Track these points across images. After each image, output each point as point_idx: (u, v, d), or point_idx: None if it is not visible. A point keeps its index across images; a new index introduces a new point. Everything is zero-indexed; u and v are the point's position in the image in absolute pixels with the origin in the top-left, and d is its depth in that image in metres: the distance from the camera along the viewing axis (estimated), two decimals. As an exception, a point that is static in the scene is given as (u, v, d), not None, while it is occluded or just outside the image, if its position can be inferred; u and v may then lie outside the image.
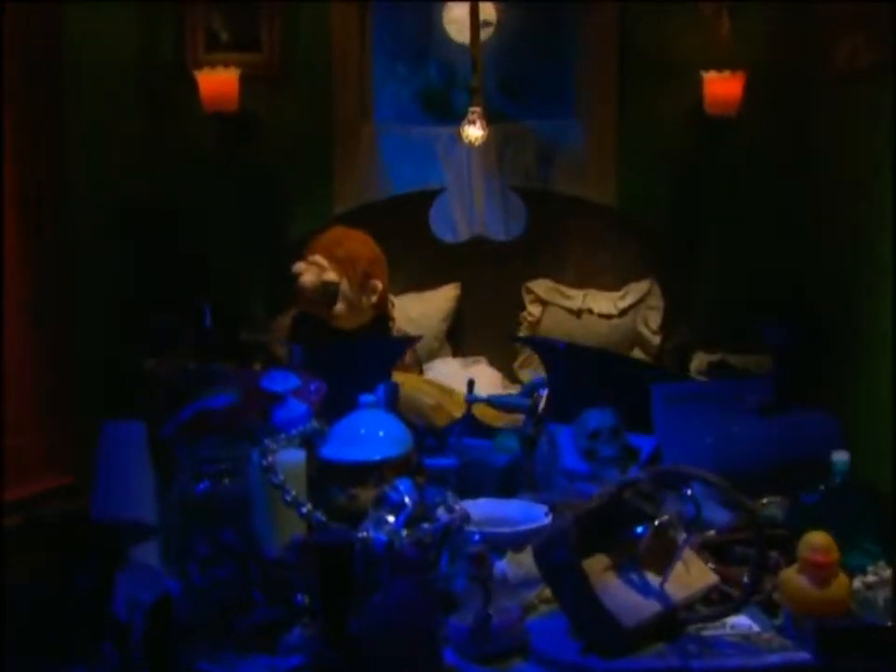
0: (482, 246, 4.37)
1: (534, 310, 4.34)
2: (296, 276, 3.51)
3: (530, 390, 2.21)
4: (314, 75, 4.39)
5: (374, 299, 3.61)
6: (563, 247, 4.38)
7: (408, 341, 3.21)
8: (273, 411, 2.02)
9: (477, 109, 3.85)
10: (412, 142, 4.56)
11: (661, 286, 4.33)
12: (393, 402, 2.33)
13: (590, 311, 4.29)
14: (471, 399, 2.22)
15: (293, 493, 1.86)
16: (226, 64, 4.19)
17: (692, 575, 1.80)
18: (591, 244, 4.38)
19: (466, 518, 1.81)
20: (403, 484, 1.90)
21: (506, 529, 1.84)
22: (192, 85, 4.23)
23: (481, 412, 2.96)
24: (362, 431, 2.01)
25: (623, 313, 4.30)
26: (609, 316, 4.29)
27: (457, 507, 1.88)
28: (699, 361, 4.09)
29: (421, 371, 3.86)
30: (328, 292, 3.50)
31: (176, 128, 4.34)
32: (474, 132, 3.83)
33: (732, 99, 4.18)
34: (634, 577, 1.76)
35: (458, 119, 4.19)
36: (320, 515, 1.83)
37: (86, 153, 3.73)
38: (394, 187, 4.54)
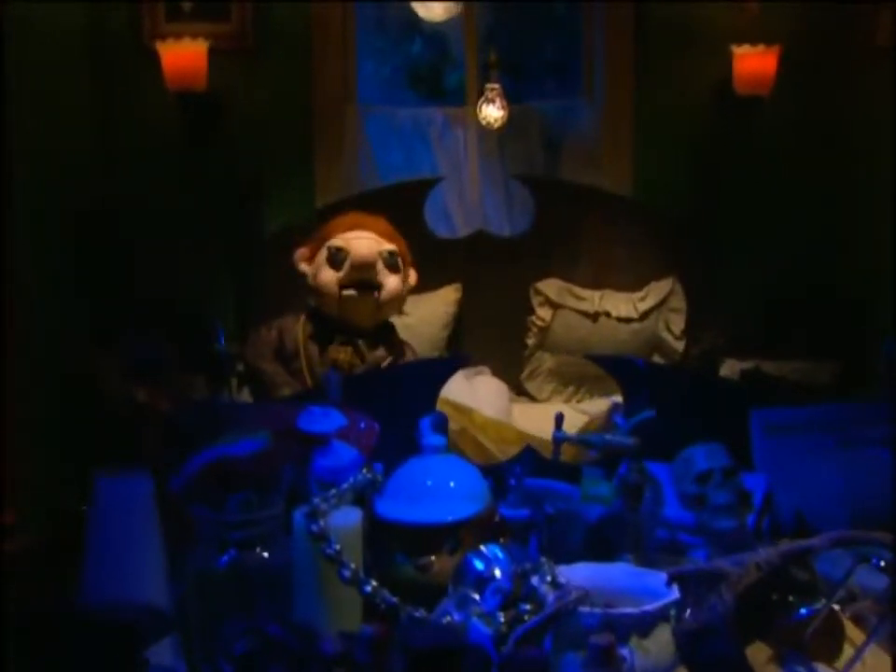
0: (483, 243, 4.08)
1: (543, 314, 4.02)
2: (338, 251, 3.03)
3: (633, 426, 1.85)
4: (291, 48, 4.03)
5: (409, 289, 3.20)
6: (574, 243, 4.06)
7: (457, 360, 2.81)
8: (313, 458, 1.64)
9: (496, 86, 3.52)
10: (400, 125, 4.25)
11: (683, 285, 4.05)
12: (442, 437, 1.96)
13: (607, 314, 4.00)
14: (560, 437, 1.86)
15: (352, 566, 1.48)
16: (193, 36, 3.78)
17: (867, 667, 1.46)
18: (605, 238, 4.07)
19: (583, 597, 1.44)
20: (491, 551, 1.53)
21: (631, 609, 1.48)
22: (151, 60, 3.87)
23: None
24: (429, 483, 1.63)
25: (644, 316, 4.01)
26: (628, 320, 4.00)
27: (563, 580, 1.52)
28: (729, 369, 3.84)
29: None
30: (389, 265, 3.05)
31: (133, 109, 3.98)
32: (493, 112, 3.50)
33: (764, 76, 3.91)
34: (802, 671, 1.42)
35: (450, 98, 3.85)
36: (390, 596, 1.45)
37: (28, 140, 3.29)
38: (380, 175, 4.20)
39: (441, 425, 1.99)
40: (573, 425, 3.74)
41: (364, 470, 1.65)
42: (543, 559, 1.58)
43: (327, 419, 1.68)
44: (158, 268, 3.99)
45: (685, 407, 2.04)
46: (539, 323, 4.01)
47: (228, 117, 4.01)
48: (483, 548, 1.55)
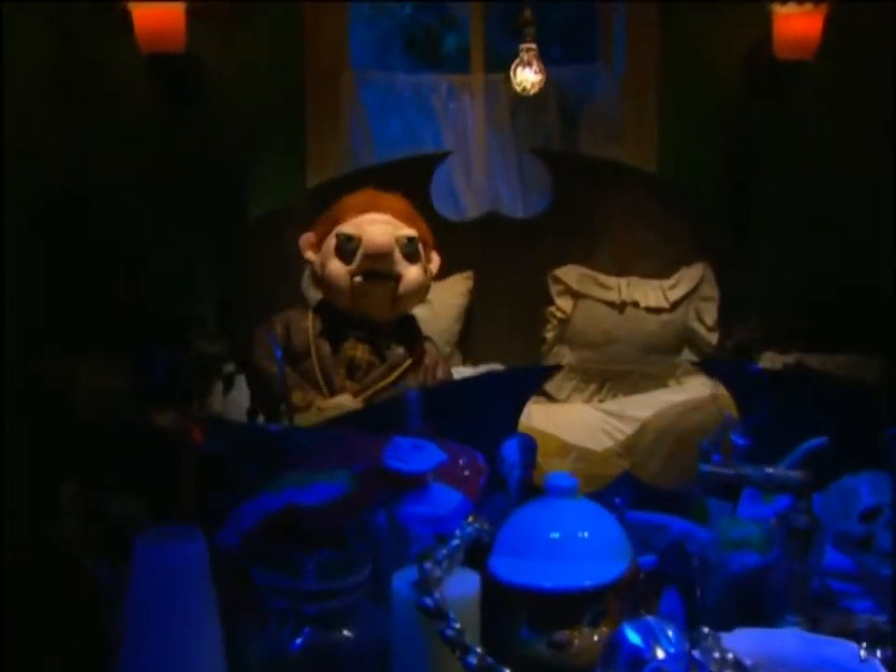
0: (494, 225, 3.88)
1: (563, 304, 3.80)
2: (349, 239, 2.71)
3: (802, 456, 1.55)
4: (279, 8, 3.75)
5: (432, 277, 2.91)
6: (595, 225, 3.85)
7: (546, 370, 2.49)
8: (406, 504, 1.32)
9: (532, 46, 3.22)
10: (398, 94, 3.99)
11: (715, 271, 3.86)
12: (530, 469, 1.65)
13: (635, 304, 3.79)
14: (706, 471, 1.53)
15: (479, 651, 1.18)
16: (168, -7, 3.47)
17: None
18: (629, 220, 3.87)
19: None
20: (651, 623, 1.23)
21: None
22: (122, 19, 3.56)
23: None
24: (556, 536, 1.33)
25: (675, 305, 3.83)
26: (658, 310, 3.81)
27: (732, 655, 1.22)
28: (769, 364, 3.63)
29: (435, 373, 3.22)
30: (407, 252, 2.74)
31: (101, 75, 3.65)
32: (530, 76, 3.23)
33: (809, 39, 3.70)
34: None
35: (449, 64, 3.66)
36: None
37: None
38: (377, 150, 3.95)
39: (530, 452, 1.68)
40: (599, 427, 3.58)
41: (470, 519, 1.34)
42: (706, 629, 1.28)
43: (420, 454, 1.36)
44: (129, 255, 3.70)
45: (816, 421, 1.75)
46: (558, 314, 3.80)
47: (208, 84, 3.71)
48: (641, 618, 1.24)
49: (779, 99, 3.85)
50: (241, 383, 3.29)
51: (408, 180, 3.70)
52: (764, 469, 1.42)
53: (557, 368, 2.90)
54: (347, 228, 2.75)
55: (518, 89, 3.28)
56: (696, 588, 1.43)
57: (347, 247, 2.73)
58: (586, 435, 3.37)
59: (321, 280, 2.80)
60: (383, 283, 2.72)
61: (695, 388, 3.72)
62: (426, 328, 3.45)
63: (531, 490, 1.66)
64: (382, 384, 2.61)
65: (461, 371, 3.63)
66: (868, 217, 3.80)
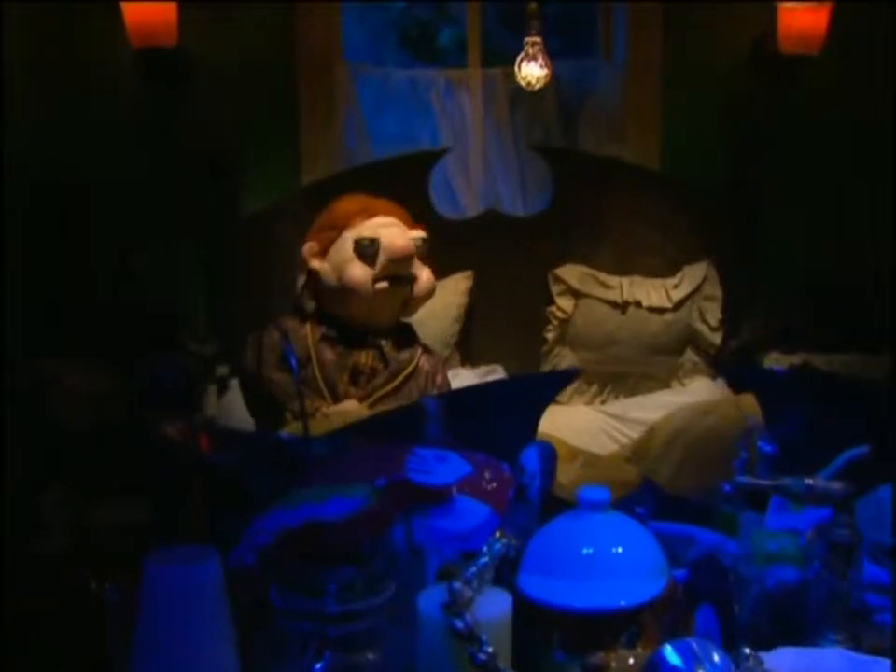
0: (494, 224, 3.81)
1: (564, 304, 3.74)
2: (370, 243, 2.65)
3: (842, 466, 1.49)
4: (271, 1, 3.68)
5: None
6: (597, 223, 3.80)
7: (567, 374, 2.43)
8: (430, 519, 1.26)
9: (537, 40, 3.15)
10: (395, 89, 3.90)
11: (718, 269, 3.80)
12: (550, 478, 1.59)
13: (637, 303, 3.73)
14: (743, 483, 1.46)
15: (511, 674, 1.12)
16: (160, -15, 3.40)
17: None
18: (631, 217, 3.81)
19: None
20: (692, 644, 1.18)
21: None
22: (112, 13, 3.51)
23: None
24: (588, 552, 1.26)
25: (678, 305, 3.77)
26: (661, 310, 3.76)
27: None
28: (774, 363, 3.63)
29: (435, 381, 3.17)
30: (422, 254, 2.73)
31: (90, 70, 3.58)
32: (535, 70, 3.16)
33: (814, 33, 3.66)
34: None
35: (444, 58, 3.72)
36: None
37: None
38: (373, 147, 3.88)
39: (550, 460, 1.61)
40: (601, 429, 3.53)
41: (497, 535, 1.27)
42: (747, 649, 1.23)
43: (444, 466, 1.30)
44: (116, 254, 3.64)
45: (844, 426, 1.69)
46: (559, 314, 3.74)
47: (200, 79, 3.64)
48: (683, 638, 1.19)
49: (785, 94, 3.80)
50: (235, 386, 3.23)
51: (405, 178, 3.67)
52: (805, 481, 1.37)
53: (577, 372, 2.83)
54: (365, 232, 2.69)
55: (523, 83, 3.21)
56: (735, 605, 1.37)
57: (369, 252, 2.67)
58: (588, 438, 3.32)
59: (335, 288, 2.69)
60: (401, 287, 2.70)
61: (698, 389, 3.68)
62: (425, 328, 3.40)
63: (551, 500, 1.60)
64: (386, 389, 2.57)
65: (460, 373, 3.59)
66: (875, 214, 3.75)
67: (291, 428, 2.12)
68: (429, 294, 2.78)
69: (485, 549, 1.26)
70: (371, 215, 2.71)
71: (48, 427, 2.95)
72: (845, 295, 3.73)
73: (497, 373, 3.66)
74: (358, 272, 2.64)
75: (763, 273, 3.82)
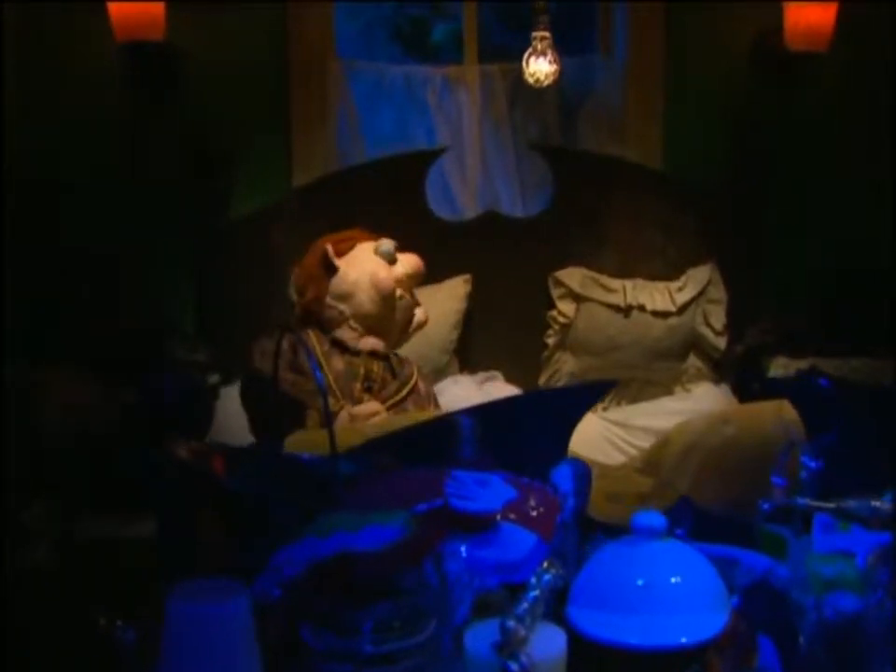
0: (493, 225, 3.73)
1: (565, 308, 3.67)
2: (391, 248, 2.95)
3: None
4: None
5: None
6: (598, 224, 3.73)
7: (602, 387, 2.36)
8: (473, 549, 1.17)
9: (546, 35, 3.07)
10: (390, 86, 3.81)
11: (723, 272, 3.74)
12: (584, 499, 1.51)
13: (641, 307, 3.67)
14: (802, 504, 1.37)
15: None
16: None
17: None
18: (634, 218, 3.75)
19: None
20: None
21: None
22: (95, 4, 3.42)
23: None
24: (644, 583, 1.18)
25: (682, 309, 3.69)
26: (665, 314, 3.69)
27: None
28: (782, 369, 3.54)
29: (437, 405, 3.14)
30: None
31: (73, 65, 3.50)
32: (544, 66, 3.08)
33: (822, 30, 3.59)
34: None
35: (439, 54, 3.68)
36: None
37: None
38: (367, 146, 3.82)
39: (584, 479, 1.53)
40: (603, 437, 3.45)
41: (546, 565, 1.19)
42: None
43: (486, 491, 1.21)
44: (101, 257, 3.53)
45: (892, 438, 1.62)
46: (560, 319, 3.66)
47: (188, 76, 3.55)
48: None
49: (791, 92, 3.73)
50: (227, 395, 3.14)
51: (401, 178, 3.59)
52: (870, 503, 1.29)
53: (613, 383, 2.89)
54: (385, 245, 2.95)
55: (531, 80, 3.12)
56: (799, 637, 1.29)
57: (390, 256, 2.95)
58: (589, 446, 3.24)
59: (351, 290, 2.88)
60: (411, 300, 2.99)
61: (703, 395, 3.62)
62: (423, 335, 3.39)
63: (585, 522, 1.52)
64: (396, 398, 2.58)
65: (461, 382, 3.51)
66: (884, 214, 3.70)
67: (311, 436, 2.10)
68: (422, 325, 3.07)
69: (534, 580, 1.17)
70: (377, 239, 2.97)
71: (32, 436, 2.86)
72: (852, 298, 3.67)
73: (496, 380, 3.59)
74: (383, 270, 2.86)
75: (767, 275, 3.77)
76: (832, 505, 1.35)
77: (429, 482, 1.23)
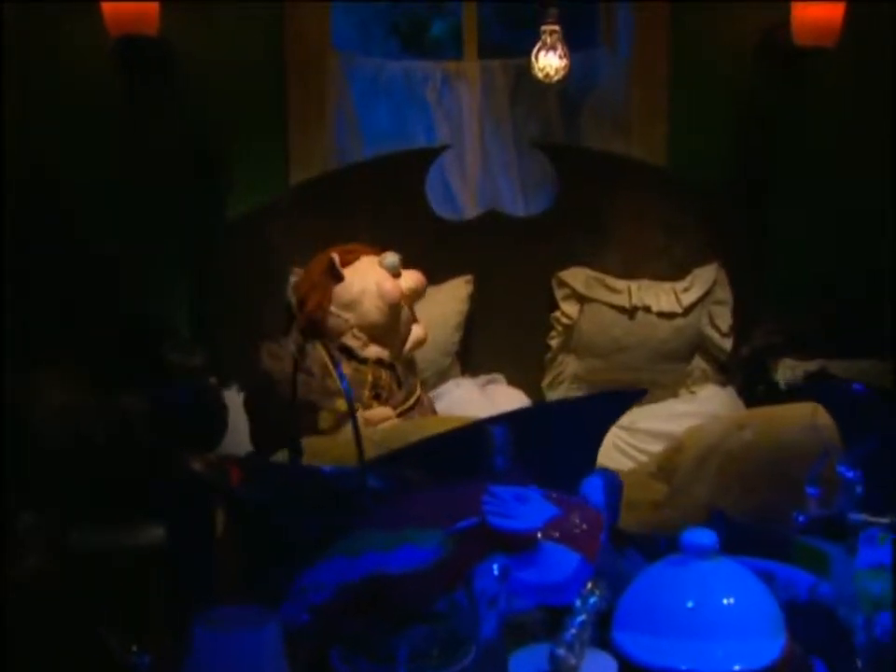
0: (494, 225, 3.68)
1: (569, 309, 3.61)
2: (396, 261, 3.06)
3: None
4: None
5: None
6: (602, 223, 3.67)
7: (633, 395, 2.30)
8: (513, 570, 1.10)
9: (556, 28, 3.01)
10: (388, 82, 3.77)
11: (728, 272, 3.69)
12: (616, 512, 1.45)
13: (646, 308, 3.62)
14: (858, 522, 1.31)
15: None
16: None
17: None
18: (638, 217, 3.69)
19: None
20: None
21: None
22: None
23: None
24: (695, 606, 1.12)
25: (688, 310, 3.65)
26: (671, 315, 3.65)
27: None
28: (789, 371, 3.51)
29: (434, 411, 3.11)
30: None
31: (63, 60, 3.42)
32: (554, 61, 3.02)
33: (830, 25, 3.53)
34: None
35: (438, 50, 3.63)
36: None
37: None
38: (366, 144, 3.75)
39: (616, 491, 1.47)
40: (607, 440, 3.38)
41: (590, 586, 1.12)
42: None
43: (527, 507, 1.15)
44: (95, 258, 3.46)
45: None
46: (563, 320, 3.61)
47: (182, 71, 3.48)
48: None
49: (798, 88, 3.68)
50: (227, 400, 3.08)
51: (400, 177, 3.53)
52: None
53: (642, 392, 2.78)
54: (390, 257, 3.03)
55: (540, 75, 3.05)
56: (856, 659, 1.23)
57: (395, 268, 3.03)
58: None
59: (357, 299, 2.94)
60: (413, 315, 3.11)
61: (709, 397, 3.57)
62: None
63: (618, 537, 1.46)
64: (404, 407, 2.58)
65: (463, 384, 3.46)
66: (892, 213, 3.65)
67: (324, 441, 2.07)
68: (420, 343, 3.15)
69: (579, 604, 1.11)
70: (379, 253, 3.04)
71: (24, 443, 2.80)
72: (860, 298, 3.62)
73: (497, 382, 3.56)
74: (389, 281, 2.93)
75: (773, 275, 3.72)
76: (885, 520, 1.29)
77: (465, 498, 1.16)
